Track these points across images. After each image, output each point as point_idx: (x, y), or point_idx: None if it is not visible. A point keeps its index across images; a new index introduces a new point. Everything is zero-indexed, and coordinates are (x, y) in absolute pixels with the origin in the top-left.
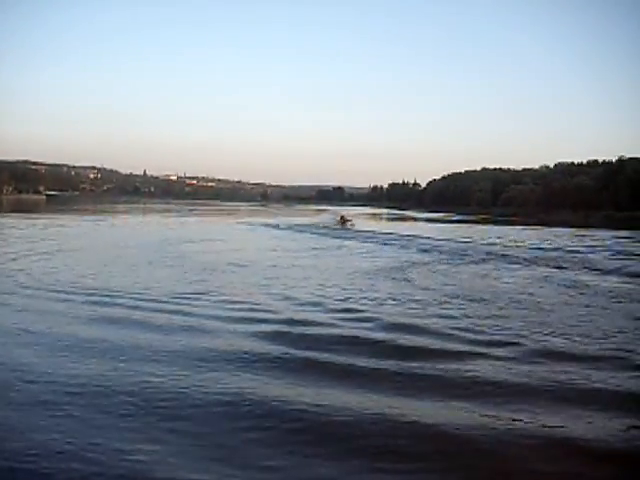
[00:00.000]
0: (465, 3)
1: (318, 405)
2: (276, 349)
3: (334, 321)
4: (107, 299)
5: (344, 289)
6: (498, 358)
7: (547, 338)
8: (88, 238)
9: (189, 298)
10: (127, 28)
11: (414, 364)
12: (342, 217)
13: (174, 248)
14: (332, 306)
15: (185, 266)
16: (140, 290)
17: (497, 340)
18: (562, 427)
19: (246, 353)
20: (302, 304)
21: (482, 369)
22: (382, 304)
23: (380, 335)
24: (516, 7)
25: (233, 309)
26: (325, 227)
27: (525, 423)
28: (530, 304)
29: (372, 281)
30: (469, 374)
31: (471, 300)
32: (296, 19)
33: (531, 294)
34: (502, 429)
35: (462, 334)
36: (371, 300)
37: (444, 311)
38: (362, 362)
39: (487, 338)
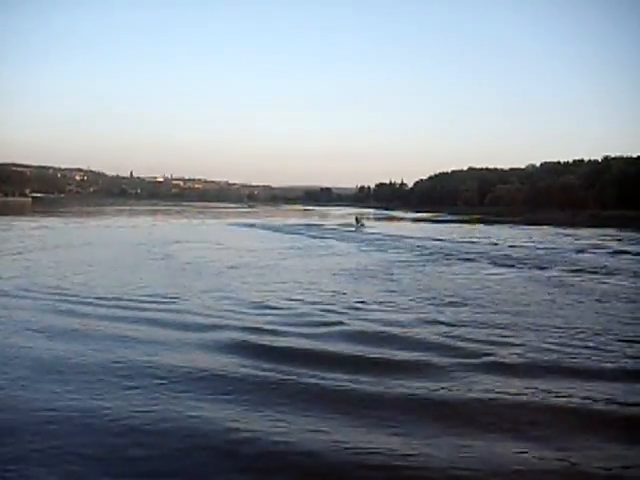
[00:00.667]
0: (452, 3)
1: (286, 435)
2: (234, 363)
3: (308, 330)
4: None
5: (323, 291)
6: (482, 369)
7: (534, 345)
8: (67, 239)
9: (158, 302)
10: (117, 32)
11: (392, 381)
12: (357, 218)
13: (158, 250)
14: (309, 312)
15: (170, 268)
16: (105, 294)
17: (481, 348)
18: (558, 447)
19: (203, 370)
20: (275, 308)
21: (466, 383)
22: (361, 308)
23: (354, 347)
24: (513, 7)
25: (199, 315)
26: (322, 228)
27: (516, 444)
28: (515, 306)
29: (353, 283)
30: (453, 392)
31: (454, 303)
32: (290, 22)
33: (516, 295)
34: (490, 452)
35: (445, 342)
36: (349, 304)
37: (426, 316)
38: (332, 381)
39: (470, 346)
